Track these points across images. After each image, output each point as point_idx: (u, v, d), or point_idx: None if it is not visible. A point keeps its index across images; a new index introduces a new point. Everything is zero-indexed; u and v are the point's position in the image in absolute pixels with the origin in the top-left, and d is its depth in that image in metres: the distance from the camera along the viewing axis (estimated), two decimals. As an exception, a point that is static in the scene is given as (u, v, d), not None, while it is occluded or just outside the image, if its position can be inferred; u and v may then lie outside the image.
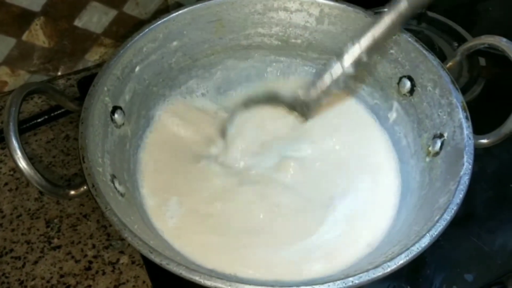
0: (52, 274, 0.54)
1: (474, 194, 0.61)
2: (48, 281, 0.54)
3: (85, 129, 0.47)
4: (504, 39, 0.51)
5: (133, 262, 0.55)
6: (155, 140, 0.60)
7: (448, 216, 0.43)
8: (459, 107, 0.50)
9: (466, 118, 0.49)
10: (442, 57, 0.56)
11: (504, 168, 0.64)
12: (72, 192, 0.45)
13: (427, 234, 0.41)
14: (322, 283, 0.38)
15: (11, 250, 0.56)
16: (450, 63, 0.56)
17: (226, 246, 0.51)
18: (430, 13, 0.80)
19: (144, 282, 0.54)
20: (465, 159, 0.46)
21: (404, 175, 0.56)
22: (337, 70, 0.54)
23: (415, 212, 0.49)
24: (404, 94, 0.58)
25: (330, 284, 0.38)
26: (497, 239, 0.57)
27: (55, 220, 0.58)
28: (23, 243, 0.56)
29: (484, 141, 0.49)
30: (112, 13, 0.70)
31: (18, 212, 0.59)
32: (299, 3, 0.61)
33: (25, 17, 0.64)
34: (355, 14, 0.59)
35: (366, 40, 0.51)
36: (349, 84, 0.61)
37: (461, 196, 0.44)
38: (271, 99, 0.60)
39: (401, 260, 0.40)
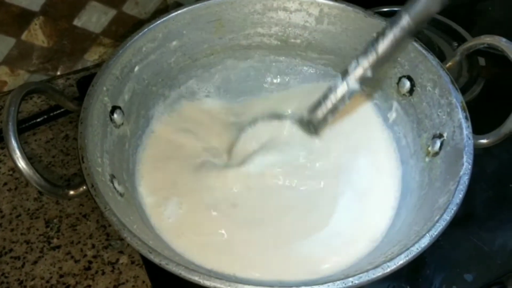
0: (51, 274, 0.54)
1: (474, 194, 0.61)
2: (47, 281, 0.54)
3: (84, 129, 0.47)
4: (504, 39, 0.51)
5: (132, 262, 0.55)
6: (156, 140, 0.60)
7: (448, 216, 0.42)
8: (459, 107, 0.50)
9: (466, 118, 0.49)
10: (442, 57, 0.56)
11: (504, 168, 0.64)
12: (72, 192, 0.45)
13: (427, 234, 0.41)
14: (322, 283, 0.38)
15: (11, 250, 0.56)
16: (449, 63, 0.56)
17: (226, 247, 0.50)
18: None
19: (143, 282, 0.54)
20: (464, 159, 0.46)
21: (403, 175, 0.56)
22: (342, 88, 0.54)
23: (415, 212, 0.49)
24: (404, 94, 0.58)
25: (330, 284, 0.38)
26: (497, 239, 0.57)
27: (55, 220, 0.58)
28: (23, 243, 0.56)
29: (484, 141, 0.49)
30: (112, 12, 0.70)
31: (18, 212, 0.59)
32: (299, 3, 0.61)
33: (24, 17, 0.64)
34: (354, 14, 0.59)
35: (370, 57, 0.51)
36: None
37: (460, 196, 0.44)
38: (279, 118, 0.60)
39: (401, 261, 0.40)
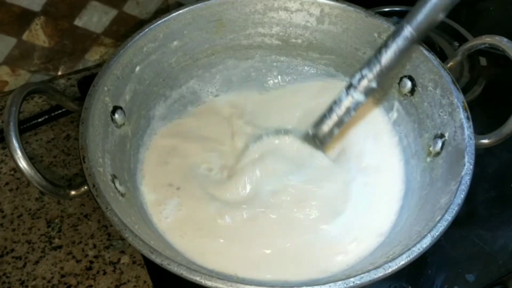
0: (53, 274, 0.54)
1: (475, 194, 0.61)
2: (49, 281, 0.54)
3: (85, 129, 0.47)
4: (505, 39, 0.50)
5: (134, 262, 0.55)
6: (160, 139, 0.60)
7: (449, 217, 0.42)
8: (460, 107, 0.50)
9: (467, 118, 0.49)
10: (443, 57, 0.56)
11: (505, 168, 0.64)
12: (73, 192, 0.45)
13: (429, 235, 0.41)
14: (324, 284, 0.38)
15: (12, 250, 0.56)
16: (451, 63, 0.56)
17: (225, 249, 0.50)
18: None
19: (145, 282, 0.54)
20: (466, 159, 0.46)
21: (405, 175, 0.56)
22: (348, 101, 0.53)
23: (416, 212, 0.49)
24: (405, 94, 0.58)
25: (332, 284, 0.38)
26: (499, 239, 0.57)
27: (56, 220, 0.58)
28: (24, 243, 0.56)
29: (485, 141, 0.49)
30: (113, 12, 0.70)
31: (19, 212, 0.59)
32: (300, 3, 0.61)
33: (25, 17, 0.63)
34: (355, 14, 0.59)
35: (374, 69, 0.51)
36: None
37: (462, 196, 0.44)
38: (284, 134, 0.59)
39: (402, 261, 0.40)
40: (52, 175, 0.62)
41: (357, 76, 0.52)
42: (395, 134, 0.59)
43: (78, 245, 0.56)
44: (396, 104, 0.59)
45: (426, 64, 0.54)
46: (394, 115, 0.60)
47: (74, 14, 0.67)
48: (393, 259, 0.40)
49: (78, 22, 0.68)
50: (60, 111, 0.68)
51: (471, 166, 0.46)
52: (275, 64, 0.67)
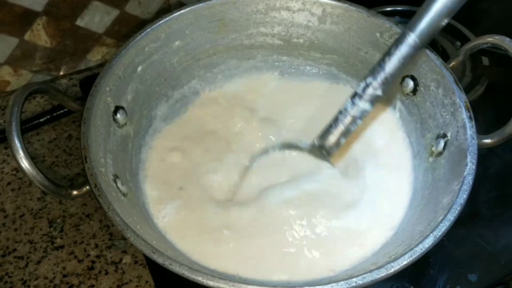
0: (55, 274, 0.54)
1: (478, 194, 0.60)
2: (51, 281, 0.54)
3: (87, 129, 0.47)
4: (508, 39, 0.50)
5: (136, 262, 0.55)
6: (164, 138, 0.60)
7: (451, 217, 0.42)
8: (463, 106, 0.49)
9: (470, 118, 0.49)
10: (445, 57, 0.56)
11: (508, 168, 0.64)
12: (75, 192, 0.45)
13: (431, 235, 0.41)
14: (326, 284, 0.38)
15: (14, 250, 0.56)
16: (453, 63, 0.56)
17: (227, 249, 0.50)
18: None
19: (147, 282, 0.54)
20: (468, 159, 0.46)
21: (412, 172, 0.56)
22: (354, 110, 0.53)
23: (419, 212, 0.49)
24: (407, 94, 0.57)
25: (334, 284, 0.38)
26: (501, 239, 0.57)
27: (58, 220, 0.58)
28: (26, 243, 0.56)
29: (488, 141, 0.49)
30: (114, 12, 0.70)
31: (21, 212, 0.59)
32: (302, 2, 0.61)
33: (27, 17, 0.64)
34: (357, 13, 0.59)
35: (378, 78, 0.50)
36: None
37: (464, 196, 0.44)
38: (290, 147, 0.59)
39: (404, 261, 0.40)
40: (54, 175, 0.62)
41: (362, 85, 0.51)
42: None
43: (80, 245, 0.56)
44: (398, 104, 0.59)
45: (428, 63, 0.54)
46: (396, 114, 0.60)
47: (76, 14, 0.67)
48: (395, 259, 0.40)
49: (80, 22, 0.68)
50: (62, 111, 0.68)
51: (474, 166, 0.46)
52: (276, 64, 0.67)
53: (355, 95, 0.52)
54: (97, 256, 0.55)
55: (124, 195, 0.48)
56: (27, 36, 0.66)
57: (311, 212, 0.52)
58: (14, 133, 0.43)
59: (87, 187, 0.44)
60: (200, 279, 0.39)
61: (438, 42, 0.75)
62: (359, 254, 0.49)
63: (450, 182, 0.46)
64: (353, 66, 0.63)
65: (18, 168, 0.46)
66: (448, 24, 0.76)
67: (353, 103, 0.52)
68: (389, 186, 0.55)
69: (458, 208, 0.43)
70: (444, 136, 0.51)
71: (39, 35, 0.66)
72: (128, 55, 0.54)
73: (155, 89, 0.60)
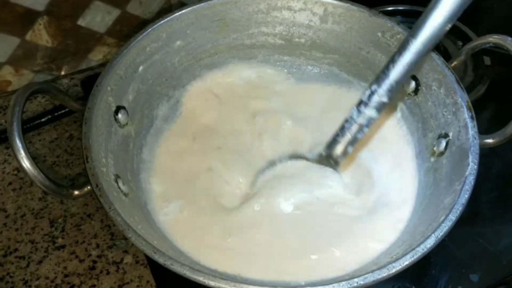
0: (56, 274, 0.54)
1: (479, 194, 0.60)
2: (52, 281, 0.54)
3: (88, 129, 0.47)
4: (510, 38, 0.50)
5: (137, 262, 0.55)
6: (170, 136, 0.60)
7: (453, 217, 0.42)
8: (464, 106, 0.49)
9: (471, 117, 0.49)
10: (447, 56, 0.56)
11: (510, 168, 0.64)
12: (76, 192, 0.45)
13: (432, 235, 0.41)
14: (327, 284, 0.38)
15: (16, 250, 0.56)
16: (455, 62, 0.56)
17: (228, 249, 0.50)
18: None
19: (148, 282, 0.54)
20: (470, 159, 0.46)
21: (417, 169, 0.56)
22: (359, 119, 0.52)
23: (420, 212, 0.49)
24: (409, 94, 0.57)
25: (335, 285, 0.38)
26: (503, 239, 0.57)
27: (59, 220, 0.59)
28: (27, 243, 0.57)
29: (490, 141, 0.49)
30: (116, 12, 0.70)
31: (22, 212, 0.59)
32: (303, 2, 0.60)
33: (28, 17, 0.64)
34: (359, 13, 0.58)
35: (383, 85, 0.50)
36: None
37: (466, 196, 0.44)
38: (297, 158, 0.58)
39: (406, 261, 0.40)
40: (55, 175, 0.62)
41: (367, 92, 0.51)
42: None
43: (81, 244, 0.56)
44: (400, 104, 0.59)
45: (430, 63, 0.54)
46: (398, 114, 0.60)
47: (77, 14, 0.67)
48: (397, 259, 0.40)
49: (81, 22, 0.68)
50: (63, 111, 0.68)
51: (475, 166, 0.45)
52: (278, 63, 0.66)
53: (360, 103, 0.51)
54: (98, 256, 0.55)
55: (125, 195, 0.48)
56: (28, 36, 0.66)
57: (316, 216, 0.52)
58: (16, 133, 0.43)
59: (88, 187, 0.44)
60: (201, 279, 0.39)
61: (440, 42, 0.74)
62: (367, 256, 0.49)
63: (452, 182, 0.46)
64: (354, 66, 0.63)
65: (19, 168, 0.46)
66: (450, 24, 0.77)
67: (359, 111, 0.51)
68: (395, 186, 0.55)
69: (460, 208, 0.43)
70: (446, 136, 0.51)
71: (41, 34, 0.66)
72: (130, 55, 0.54)
73: (156, 89, 0.60)
